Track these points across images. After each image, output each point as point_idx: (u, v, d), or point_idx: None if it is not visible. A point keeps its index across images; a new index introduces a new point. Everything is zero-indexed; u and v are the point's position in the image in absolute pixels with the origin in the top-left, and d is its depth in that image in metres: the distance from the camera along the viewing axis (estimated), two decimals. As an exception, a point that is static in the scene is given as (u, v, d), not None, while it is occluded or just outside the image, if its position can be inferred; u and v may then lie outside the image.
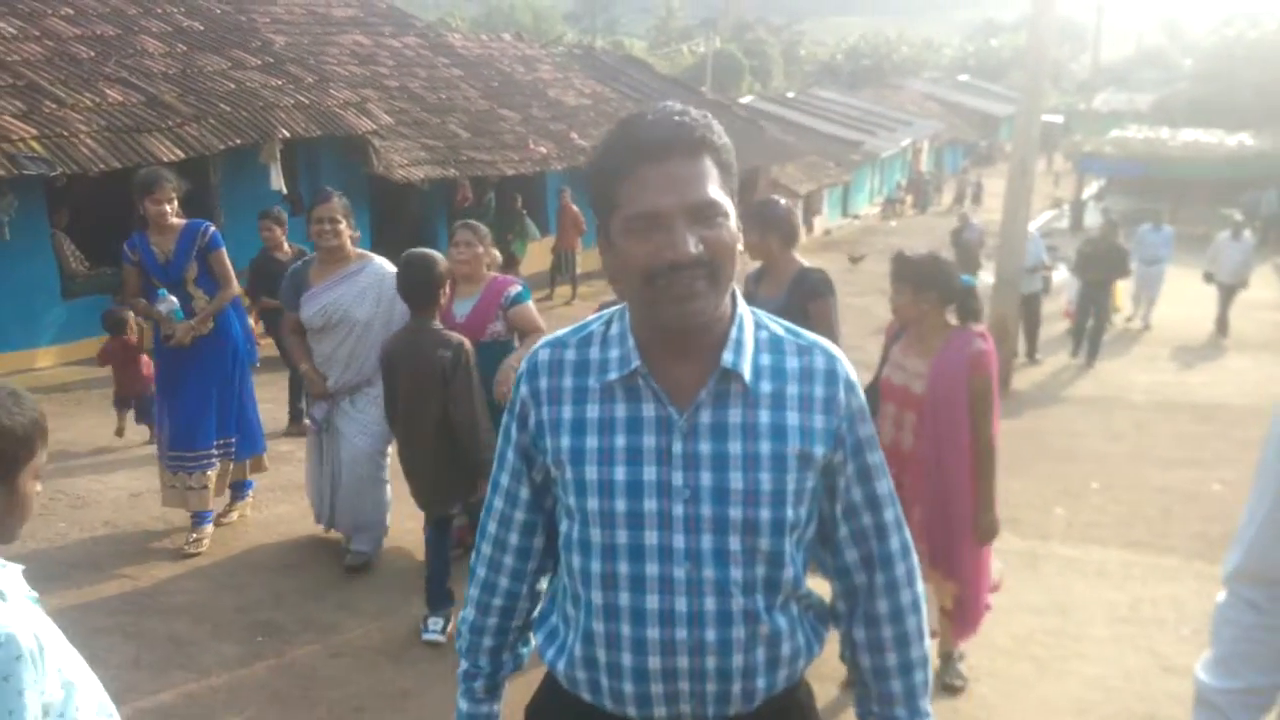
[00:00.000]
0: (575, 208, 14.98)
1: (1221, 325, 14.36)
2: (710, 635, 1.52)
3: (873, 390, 4.13)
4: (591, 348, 1.59)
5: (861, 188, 34.10)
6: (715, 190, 1.46)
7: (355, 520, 4.93)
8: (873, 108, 41.15)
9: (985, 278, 17.11)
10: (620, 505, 1.52)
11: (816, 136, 31.06)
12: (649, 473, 1.51)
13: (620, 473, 1.52)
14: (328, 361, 4.85)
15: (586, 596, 1.57)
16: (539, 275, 15.41)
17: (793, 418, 1.54)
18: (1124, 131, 31.96)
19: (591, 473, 1.53)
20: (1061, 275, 14.36)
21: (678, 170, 1.44)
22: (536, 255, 15.53)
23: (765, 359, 1.56)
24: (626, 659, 1.54)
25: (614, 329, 1.59)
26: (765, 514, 1.51)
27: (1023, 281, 11.44)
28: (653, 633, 1.52)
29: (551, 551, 1.70)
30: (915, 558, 1.69)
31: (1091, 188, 30.52)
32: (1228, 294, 14.30)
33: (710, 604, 1.51)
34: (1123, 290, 14.23)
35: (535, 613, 1.77)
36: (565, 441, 1.56)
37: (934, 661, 4.16)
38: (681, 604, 1.51)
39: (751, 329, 1.58)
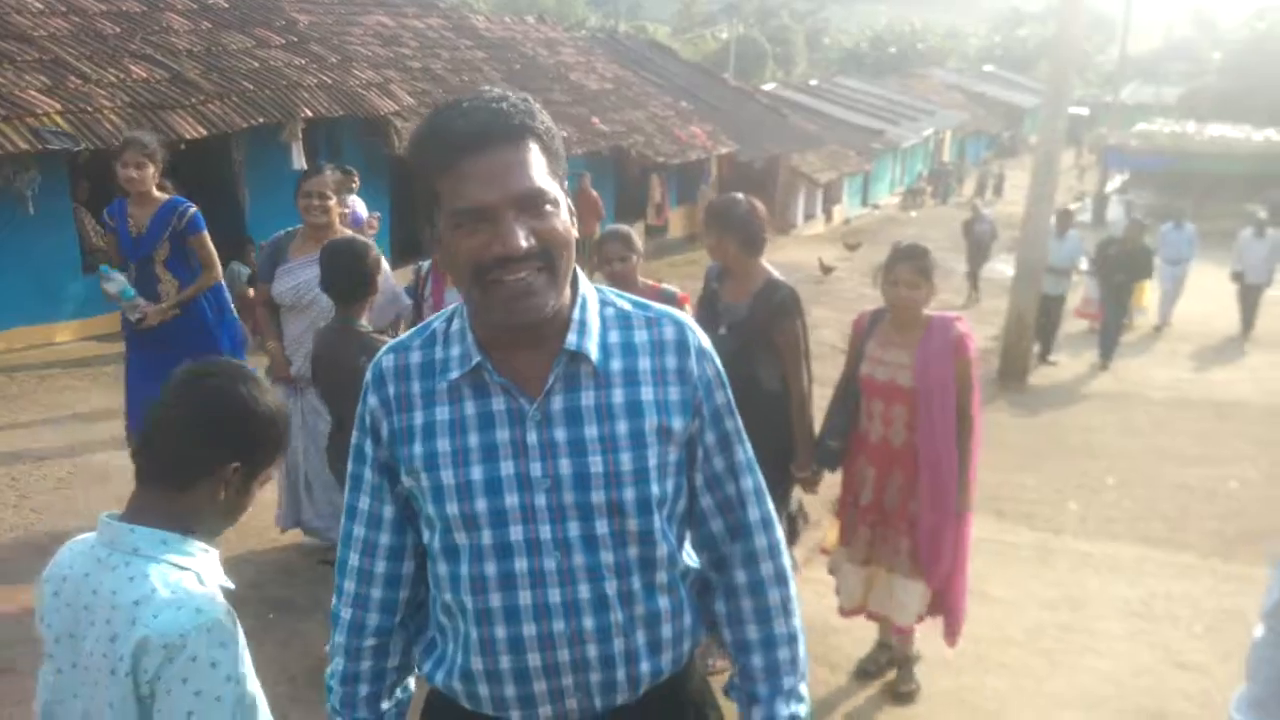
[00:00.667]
0: (595, 192, 14.97)
1: (1247, 326, 13.89)
2: (588, 623, 1.48)
3: (845, 388, 4.08)
4: (435, 347, 1.53)
5: (882, 177, 33.92)
6: (542, 178, 1.41)
7: (333, 520, 4.54)
8: (896, 97, 40.88)
9: (1004, 269, 16.93)
10: (481, 505, 1.47)
11: (838, 125, 30.91)
12: (506, 467, 1.47)
13: (477, 472, 1.47)
14: (295, 343, 4.54)
15: (457, 603, 1.52)
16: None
17: (647, 393, 1.50)
18: (1150, 125, 31.61)
19: (448, 476, 1.48)
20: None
21: (500, 160, 1.38)
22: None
23: (614, 336, 1.52)
24: (505, 661, 1.50)
25: (454, 325, 1.53)
26: (630, 494, 1.48)
27: (1051, 281, 11.12)
28: (529, 629, 1.48)
29: (424, 578, 1.61)
30: (779, 532, 1.66)
31: (1115, 181, 30.22)
32: (1253, 294, 13.72)
33: (585, 591, 1.48)
34: (1149, 290, 13.77)
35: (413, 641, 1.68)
36: (419, 448, 1.50)
37: (891, 670, 4.15)
38: (555, 595, 1.48)
39: (596, 306, 1.54)
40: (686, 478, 1.59)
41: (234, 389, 1.61)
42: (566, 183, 1.49)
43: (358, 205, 9.73)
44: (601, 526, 1.48)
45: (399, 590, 1.61)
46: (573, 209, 1.49)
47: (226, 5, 12.02)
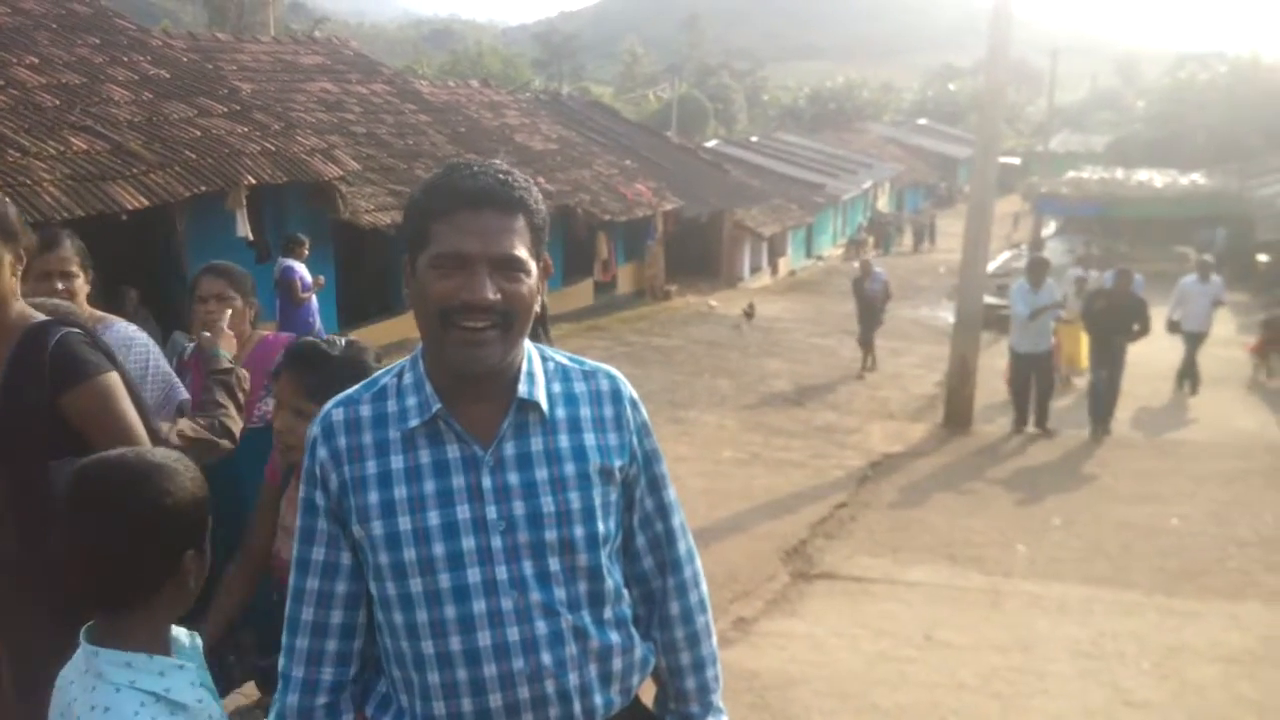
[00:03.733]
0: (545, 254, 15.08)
1: (1188, 378, 12.58)
2: (546, 658, 1.55)
3: None
4: (387, 401, 1.60)
5: (825, 229, 34.53)
6: (522, 249, 1.54)
7: None
8: (835, 151, 41.84)
9: (945, 316, 17.23)
10: (439, 549, 1.53)
11: (780, 179, 31.52)
12: (462, 511, 1.54)
13: (434, 517, 1.54)
14: None
15: (415, 650, 1.56)
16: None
17: (590, 438, 1.62)
18: (1080, 173, 32.61)
19: (405, 523, 1.54)
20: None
21: (491, 221, 1.51)
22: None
23: (556, 387, 1.64)
24: (467, 704, 1.54)
25: (407, 378, 1.61)
26: (579, 531, 1.58)
27: (1029, 337, 10.10)
28: (489, 670, 1.54)
29: (374, 628, 1.64)
30: (699, 562, 1.80)
31: (1049, 228, 31.05)
32: (1193, 343, 12.49)
33: (542, 627, 1.55)
34: (1084, 347, 11.79)
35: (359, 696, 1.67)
36: (373, 496, 1.55)
37: None
38: (514, 634, 1.54)
39: (540, 361, 1.66)
40: (624, 520, 1.70)
41: (150, 485, 1.50)
42: (545, 262, 1.65)
43: (301, 270, 9.75)
44: (554, 563, 1.56)
45: (354, 640, 1.64)
46: (539, 288, 1.61)
47: (168, 75, 12.01)
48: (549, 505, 1.56)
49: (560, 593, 1.57)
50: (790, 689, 4.53)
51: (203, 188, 10.22)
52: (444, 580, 1.53)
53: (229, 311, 3.36)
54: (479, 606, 1.53)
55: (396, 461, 1.56)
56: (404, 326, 13.99)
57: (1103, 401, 10.28)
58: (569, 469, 1.59)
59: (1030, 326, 10.11)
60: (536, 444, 1.59)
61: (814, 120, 59.12)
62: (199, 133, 10.98)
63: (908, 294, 23.14)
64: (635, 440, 1.68)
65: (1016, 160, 45.56)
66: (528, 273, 1.54)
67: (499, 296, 1.50)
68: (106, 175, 9.63)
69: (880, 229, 37.57)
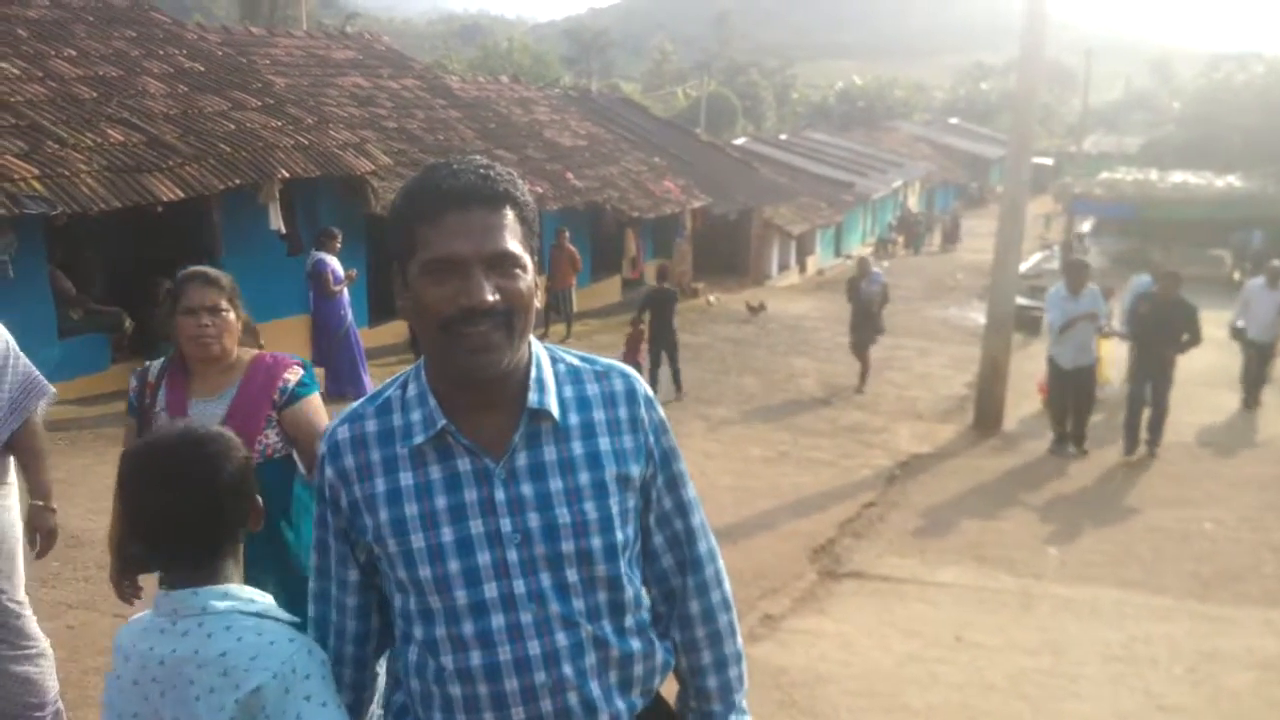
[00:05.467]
0: (573, 247, 15.11)
1: (1251, 395, 11.60)
2: (568, 670, 1.52)
3: None
4: (393, 415, 1.57)
5: (854, 228, 34.35)
6: (514, 243, 1.49)
7: None
8: (864, 149, 41.57)
9: (975, 317, 17.08)
10: (454, 566, 1.51)
11: (809, 178, 31.35)
12: (476, 526, 1.51)
13: (448, 534, 1.51)
14: None
15: (436, 664, 1.55)
16: (536, 314, 15.51)
17: (604, 443, 1.58)
18: (1114, 174, 32.28)
19: (418, 540, 1.52)
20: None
21: (479, 219, 1.46)
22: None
23: (568, 391, 1.60)
24: (489, 718, 1.53)
25: (411, 390, 1.57)
26: (597, 541, 1.54)
27: (1070, 351, 9.18)
28: (511, 684, 1.52)
29: (389, 633, 1.67)
30: (721, 560, 1.75)
31: (1086, 225, 30.77)
32: (1259, 354, 11.47)
33: (562, 639, 1.53)
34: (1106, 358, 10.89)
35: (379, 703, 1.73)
36: (384, 515, 1.53)
37: None
38: (535, 647, 1.52)
39: (549, 364, 1.61)
40: (641, 520, 1.66)
41: (213, 452, 1.67)
42: (539, 254, 1.57)
43: (334, 264, 9.81)
44: (572, 575, 1.53)
45: (368, 644, 1.68)
46: (537, 281, 1.56)
47: (202, 69, 12.13)
48: (565, 516, 1.53)
49: (579, 604, 1.54)
50: (819, 687, 4.52)
51: (237, 181, 10.32)
52: (461, 596, 1.51)
53: (229, 326, 2.95)
54: (498, 621, 1.51)
55: (406, 478, 1.54)
56: (433, 321, 14.03)
57: (1138, 418, 9.28)
58: (584, 478, 1.55)
59: (1071, 337, 9.13)
60: (550, 453, 1.55)
61: (843, 119, 58.80)
62: (233, 126, 11.09)
63: (937, 294, 23.01)
64: (651, 439, 1.64)
65: (1049, 161, 45.11)
66: (524, 267, 1.50)
67: (498, 297, 1.45)
68: (142, 167, 9.75)
69: (909, 228, 37.34)
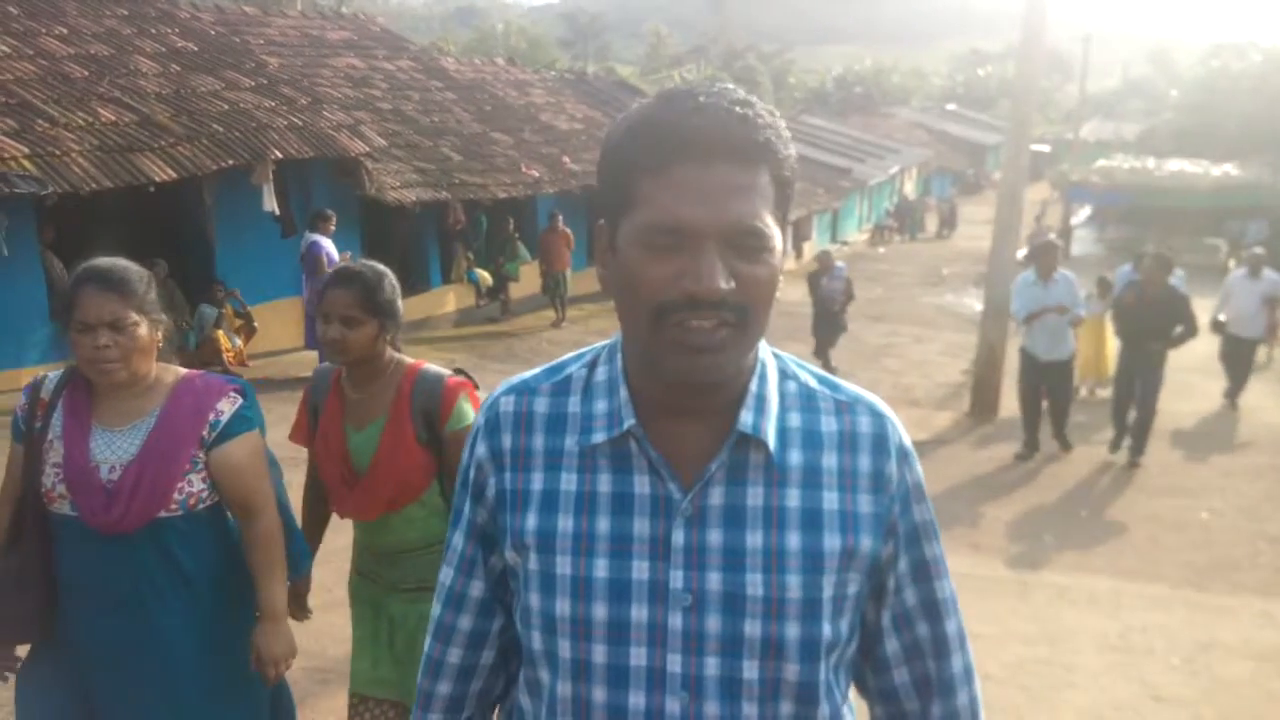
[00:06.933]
0: (568, 230, 15.04)
1: (1232, 390, 10.93)
2: None
3: None
4: (570, 397, 1.25)
5: (851, 214, 34.28)
6: (765, 216, 1.11)
7: None
8: (861, 135, 41.49)
9: (972, 304, 17.06)
10: (599, 612, 1.18)
11: (806, 163, 31.20)
12: (639, 569, 1.17)
13: (601, 567, 1.18)
14: None
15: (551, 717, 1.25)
16: (534, 298, 15.51)
17: (831, 499, 1.20)
18: (1111, 161, 32.23)
19: (564, 565, 1.19)
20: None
21: (724, 179, 1.09)
22: (530, 278, 15.63)
23: (794, 419, 1.22)
24: None
25: (600, 374, 1.25)
26: (793, 631, 1.17)
27: (1044, 340, 8.31)
28: None
29: (504, 671, 1.39)
30: (978, 685, 1.33)
31: (1079, 216, 30.75)
32: (1244, 350, 10.85)
33: None
34: (1110, 352, 10.36)
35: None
36: (532, 521, 1.21)
37: None
38: None
39: (776, 380, 1.24)
40: (867, 614, 1.28)
41: None
42: (787, 224, 1.20)
43: (328, 246, 9.75)
44: (750, 670, 1.16)
45: (470, 683, 1.37)
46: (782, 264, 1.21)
47: (195, 48, 12.02)
48: (757, 586, 1.16)
49: (751, 711, 1.16)
50: (814, 676, 4.50)
51: (230, 161, 10.24)
52: (599, 653, 1.18)
53: (140, 344, 2.26)
54: (636, 701, 1.17)
55: (568, 481, 1.21)
56: (428, 304, 13.99)
57: (1124, 416, 8.61)
58: (793, 540, 1.17)
59: (1044, 325, 8.25)
60: (755, 496, 1.18)
61: (841, 104, 58.61)
62: (226, 106, 11.00)
63: (932, 281, 22.97)
64: (898, 507, 1.23)
65: (1046, 148, 45.04)
66: (771, 249, 1.12)
67: (733, 284, 1.08)
68: (134, 147, 9.67)
69: (905, 215, 37.29)
